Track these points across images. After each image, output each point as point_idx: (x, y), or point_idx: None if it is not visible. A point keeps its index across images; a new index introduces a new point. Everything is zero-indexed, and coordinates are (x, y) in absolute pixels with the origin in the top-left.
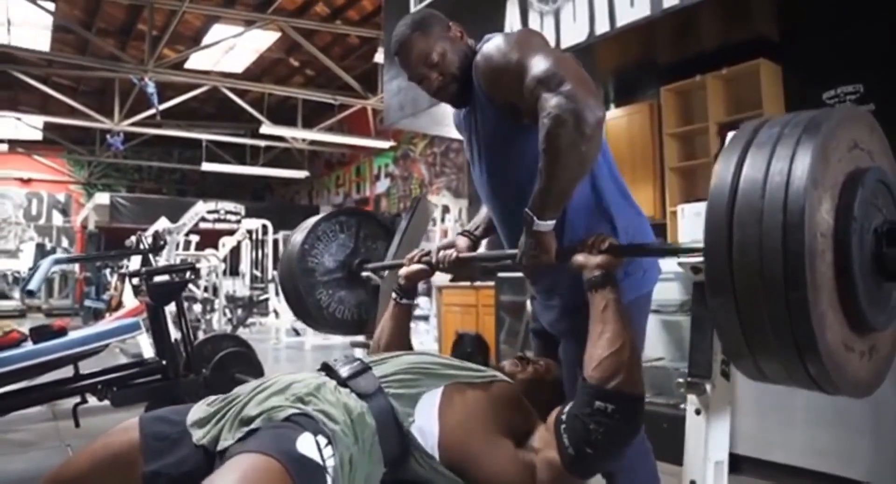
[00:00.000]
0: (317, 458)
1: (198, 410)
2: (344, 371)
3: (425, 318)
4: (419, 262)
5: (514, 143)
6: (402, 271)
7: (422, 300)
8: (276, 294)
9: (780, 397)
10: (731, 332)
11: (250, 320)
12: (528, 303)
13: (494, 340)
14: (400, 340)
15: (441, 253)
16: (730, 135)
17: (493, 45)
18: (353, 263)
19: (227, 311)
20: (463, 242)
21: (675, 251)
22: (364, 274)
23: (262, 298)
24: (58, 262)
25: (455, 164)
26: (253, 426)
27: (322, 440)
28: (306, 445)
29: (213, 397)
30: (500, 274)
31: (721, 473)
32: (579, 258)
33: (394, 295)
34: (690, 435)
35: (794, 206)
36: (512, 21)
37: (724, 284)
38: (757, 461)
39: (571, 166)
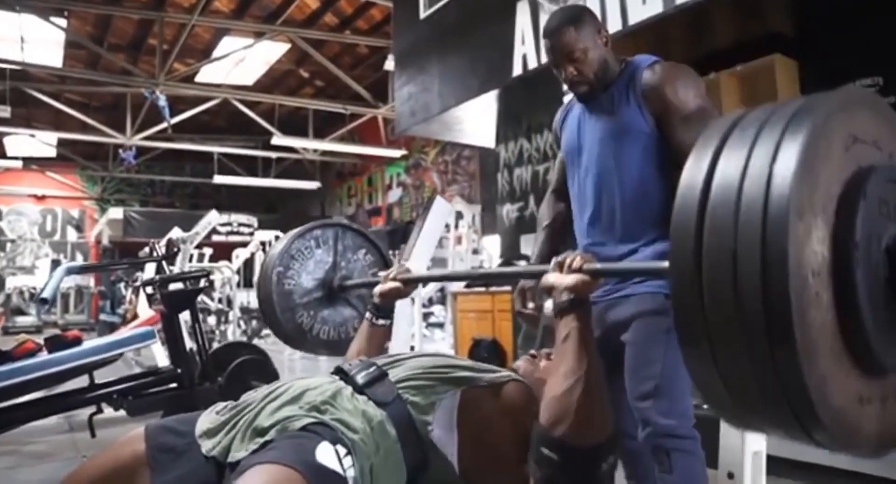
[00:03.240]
0: (337, 468)
1: (206, 419)
2: (360, 378)
3: (440, 325)
4: (394, 279)
5: (641, 145)
6: (377, 289)
7: (436, 308)
8: None
9: None
10: (713, 392)
11: (265, 332)
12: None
13: (511, 346)
14: None
15: None
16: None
17: (676, 70)
18: (333, 281)
19: (241, 322)
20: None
21: (648, 272)
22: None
23: None
24: (70, 270)
25: (467, 171)
26: (267, 438)
27: (341, 450)
28: (325, 454)
29: (221, 405)
30: None
31: (759, 464)
32: (550, 278)
33: (368, 314)
34: (726, 425)
35: (775, 246)
36: (523, 23)
37: (698, 336)
38: (792, 462)
39: None
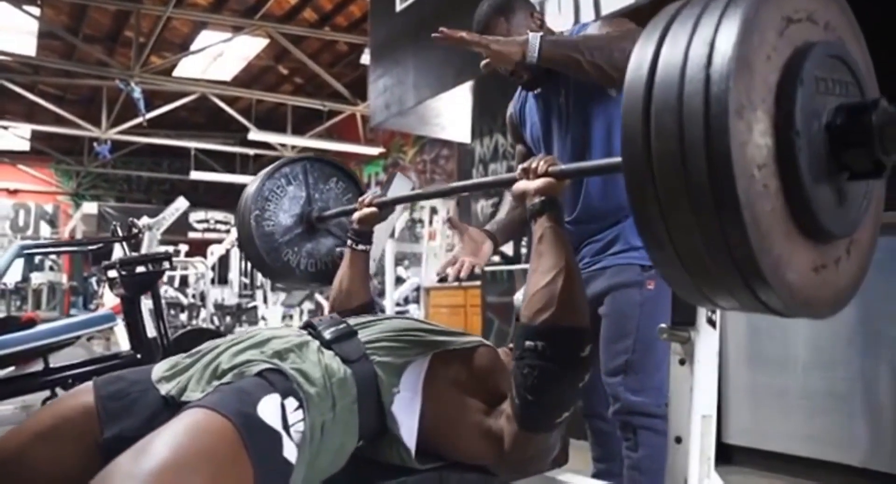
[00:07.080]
0: (276, 424)
1: (164, 365)
2: (328, 333)
3: None
4: (371, 204)
5: (601, 117)
6: (355, 215)
7: (411, 307)
8: (265, 302)
9: (774, 383)
10: (679, 281)
11: (238, 329)
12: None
13: None
14: (361, 287)
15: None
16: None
17: (607, 22)
18: (310, 214)
19: (215, 318)
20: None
21: (607, 168)
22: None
23: (250, 305)
24: (24, 248)
25: (445, 170)
26: (224, 381)
27: (291, 403)
28: (269, 407)
29: (182, 355)
30: (488, 268)
31: (709, 428)
32: (520, 185)
33: (349, 241)
34: (675, 387)
35: (718, 148)
36: None
37: (661, 241)
38: (750, 451)
39: (599, 68)
